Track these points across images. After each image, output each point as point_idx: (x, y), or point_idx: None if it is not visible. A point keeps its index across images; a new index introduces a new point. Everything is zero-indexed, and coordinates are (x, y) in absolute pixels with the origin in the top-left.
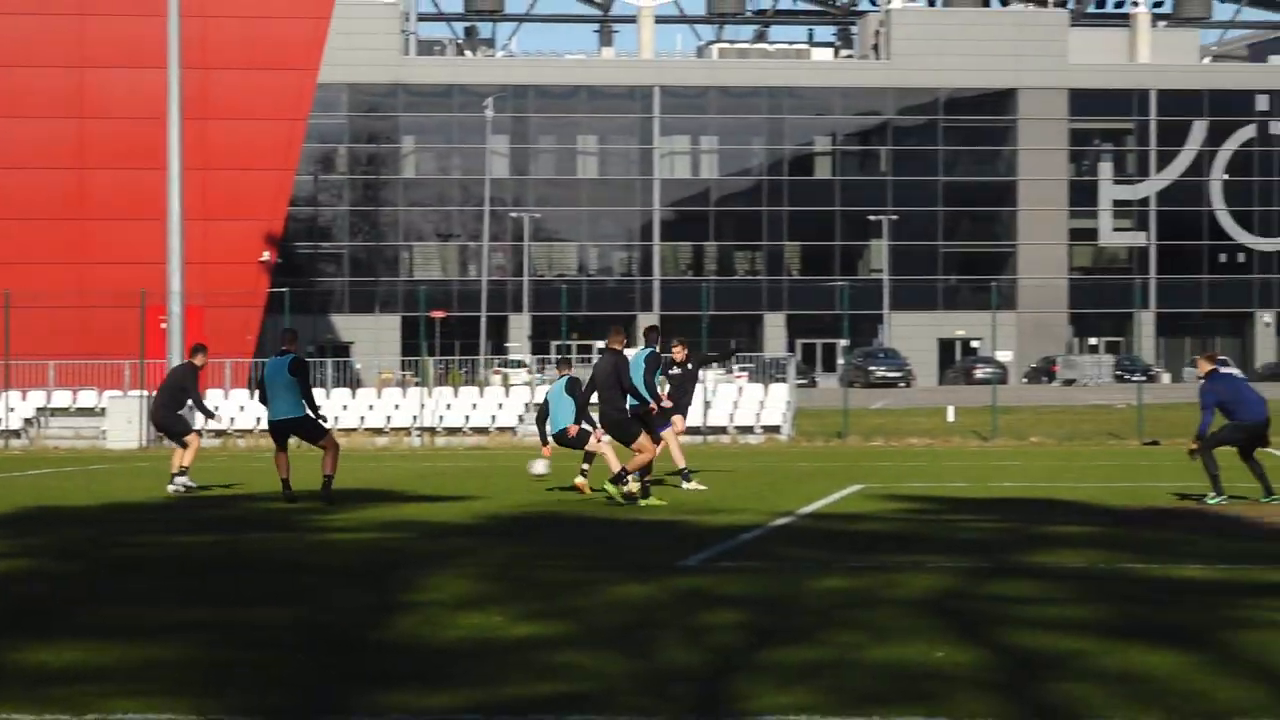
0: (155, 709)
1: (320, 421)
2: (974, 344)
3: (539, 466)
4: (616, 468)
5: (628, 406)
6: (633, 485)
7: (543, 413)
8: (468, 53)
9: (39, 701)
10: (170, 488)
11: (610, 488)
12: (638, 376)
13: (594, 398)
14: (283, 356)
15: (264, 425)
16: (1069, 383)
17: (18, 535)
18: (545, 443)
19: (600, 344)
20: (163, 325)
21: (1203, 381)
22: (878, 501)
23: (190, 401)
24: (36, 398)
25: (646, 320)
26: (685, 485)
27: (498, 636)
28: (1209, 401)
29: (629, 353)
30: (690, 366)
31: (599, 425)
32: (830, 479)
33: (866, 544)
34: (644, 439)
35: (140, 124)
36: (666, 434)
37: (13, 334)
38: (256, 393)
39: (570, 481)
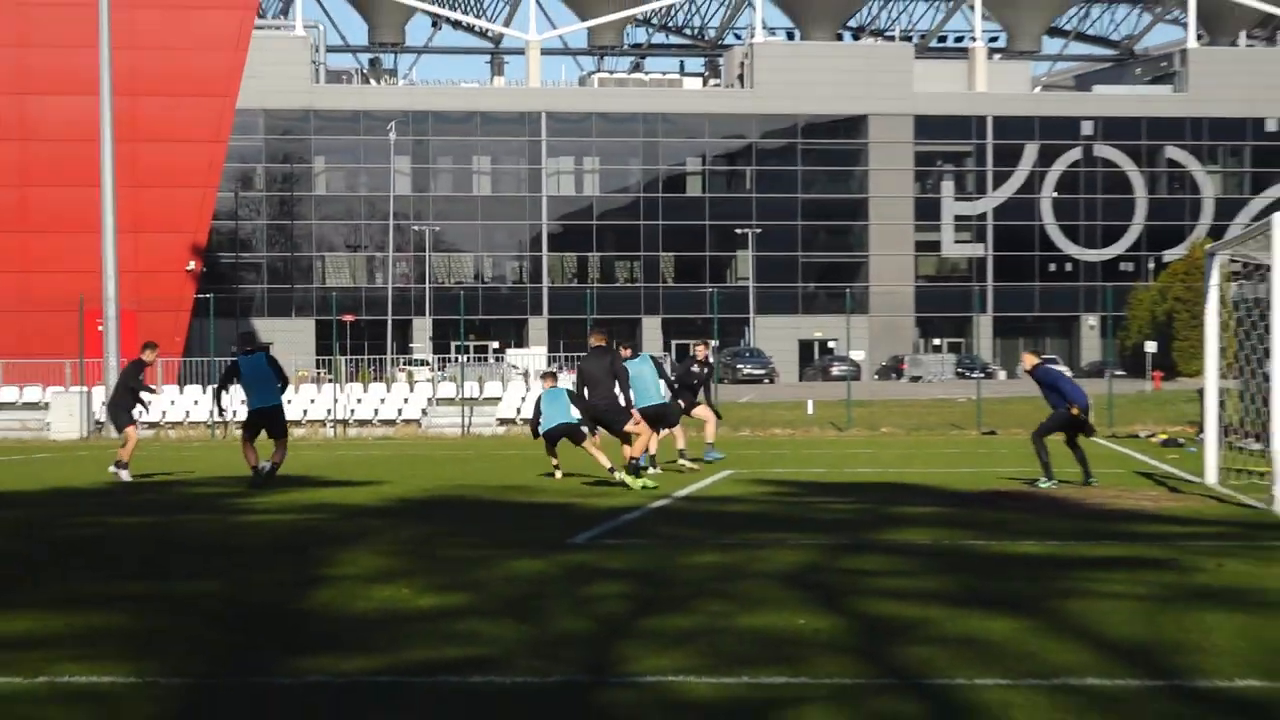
0: (98, 672)
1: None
2: (830, 344)
3: (123, 475)
4: (606, 464)
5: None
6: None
7: (535, 414)
8: (372, 81)
9: None
10: (111, 469)
11: (630, 480)
12: (647, 380)
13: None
14: (252, 355)
15: (195, 418)
16: (915, 379)
17: None
18: (536, 435)
19: (494, 344)
20: (100, 328)
21: (1033, 371)
22: (745, 485)
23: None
24: None
25: (538, 324)
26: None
27: (406, 607)
28: (1055, 376)
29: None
30: (708, 368)
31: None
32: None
33: (736, 523)
34: (639, 424)
35: (77, 146)
36: (676, 430)
37: None
38: (217, 388)
39: (548, 470)
